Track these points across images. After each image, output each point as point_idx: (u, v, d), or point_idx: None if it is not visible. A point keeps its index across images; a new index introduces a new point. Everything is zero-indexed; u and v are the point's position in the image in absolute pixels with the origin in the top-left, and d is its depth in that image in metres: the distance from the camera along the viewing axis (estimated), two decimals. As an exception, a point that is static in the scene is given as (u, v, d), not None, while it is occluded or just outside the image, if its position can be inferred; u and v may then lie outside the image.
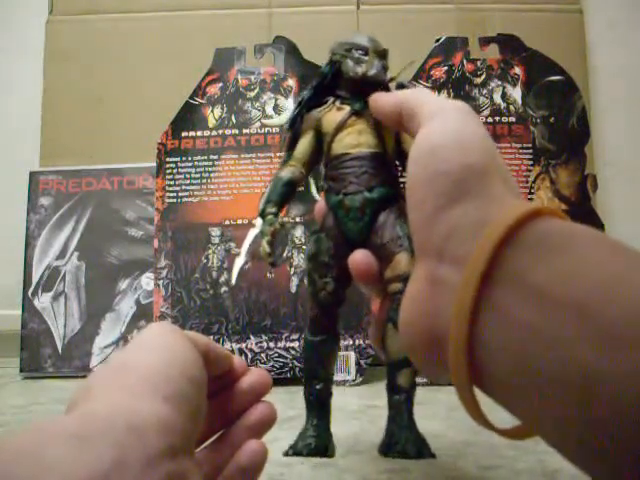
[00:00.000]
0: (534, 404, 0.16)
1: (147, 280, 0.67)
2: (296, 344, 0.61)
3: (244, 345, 0.62)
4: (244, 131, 0.68)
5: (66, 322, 0.67)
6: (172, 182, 0.67)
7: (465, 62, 0.69)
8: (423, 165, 0.21)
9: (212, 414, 0.26)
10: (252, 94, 0.69)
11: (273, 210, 0.30)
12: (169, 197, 0.67)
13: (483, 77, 0.69)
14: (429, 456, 0.25)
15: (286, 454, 0.28)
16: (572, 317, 0.14)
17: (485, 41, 0.70)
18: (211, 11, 0.74)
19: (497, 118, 0.68)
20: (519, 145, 0.68)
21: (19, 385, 0.63)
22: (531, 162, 0.67)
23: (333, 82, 0.31)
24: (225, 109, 0.68)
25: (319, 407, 0.29)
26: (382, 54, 0.30)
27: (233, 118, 0.68)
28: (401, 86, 0.30)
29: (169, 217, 0.66)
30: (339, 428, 0.41)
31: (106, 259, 0.68)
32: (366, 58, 0.29)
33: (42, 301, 0.68)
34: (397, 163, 0.30)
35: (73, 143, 0.73)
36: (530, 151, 0.68)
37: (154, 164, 0.68)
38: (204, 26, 0.74)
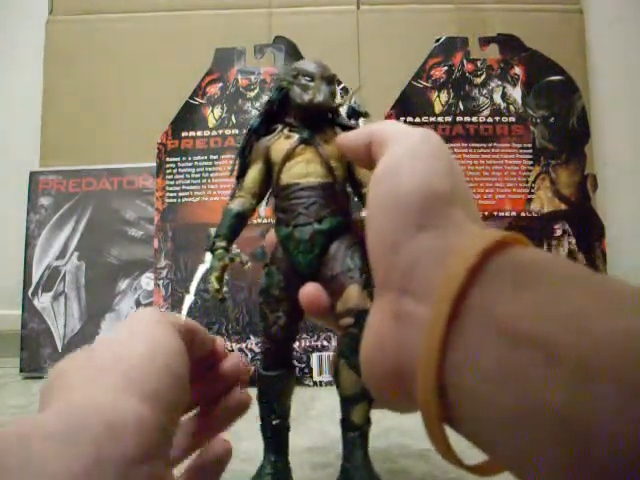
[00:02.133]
0: (506, 444, 0.15)
1: (147, 280, 0.67)
2: (296, 344, 0.61)
3: (244, 345, 0.62)
4: (244, 131, 0.68)
5: (66, 322, 0.67)
6: (172, 182, 0.67)
7: (465, 62, 0.69)
8: (385, 188, 0.21)
9: (196, 390, 0.26)
10: (252, 94, 0.69)
11: (222, 244, 0.29)
12: (169, 197, 0.67)
13: (483, 77, 0.69)
14: None
15: None
16: (541, 355, 0.14)
17: (485, 41, 0.70)
18: (211, 11, 0.74)
19: (497, 118, 0.68)
20: (519, 145, 0.68)
21: (19, 385, 0.63)
22: (531, 162, 0.67)
23: (282, 109, 0.30)
24: (225, 109, 0.68)
25: (276, 443, 0.28)
26: (329, 80, 0.29)
27: (233, 118, 0.68)
28: (353, 110, 0.30)
29: (169, 217, 0.66)
30: (338, 428, 0.41)
31: (106, 259, 0.68)
32: (313, 84, 0.29)
33: (42, 301, 0.68)
34: (348, 192, 0.30)
35: (73, 143, 0.73)
36: (530, 151, 0.68)
37: (154, 164, 0.68)
38: (204, 26, 0.74)
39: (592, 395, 0.13)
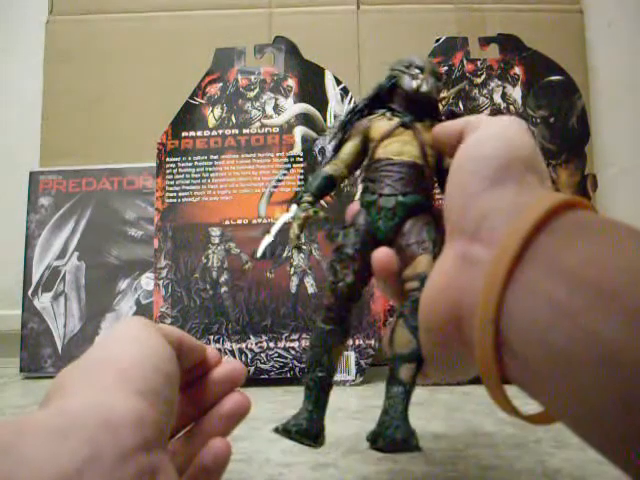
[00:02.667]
0: (557, 383, 0.16)
1: (147, 280, 0.67)
2: (296, 344, 0.61)
3: (244, 345, 0.62)
4: (244, 131, 0.68)
5: (66, 322, 0.67)
6: (172, 182, 0.67)
7: (465, 62, 0.69)
8: (471, 153, 0.23)
9: (186, 404, 0.27)
10: (252, 94, 0.69)
11: (309, 199, 0.31)
12: (169, 197, 0.67)
13: (483, 77, 0.69)
14: (416, 449, 0.25)
15: (275, 430, 0.28)
16: (600, 296, 0.15)
17: (485, 41, 0.70)
18: (211, 11, 0.74)
19: (497, 118, 0.68)
20: (519, 145, 0.67)
21: (19, 385, 0.63)
22: (531, 162, 0.67)
23: (387, 96, 0.33)
24: (225, 109, 0.68)
25: (317, 395, 0.29)
26: (438, 76, 0.32)
27: (233, 118, 0.68)
28: (451, 112, 0.32)
29: (169, 217, 0.66)
30: (339, 428, 0.41)
31: (106, 259, 0.68)
32: (422, 76, 0.31)
33: (42, 301, 0.68)
34: (435, 179, 0.32)
35: (73, 143, 0.73)
36: (530, 151, 0.67)
37: (154, 164, 0.68)
38: (204, 26, 0.74)
39: None
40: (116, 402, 0.18)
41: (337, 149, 0.33)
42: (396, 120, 0.31)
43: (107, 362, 0.20)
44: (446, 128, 0.28)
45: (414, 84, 0.31)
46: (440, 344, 0.23)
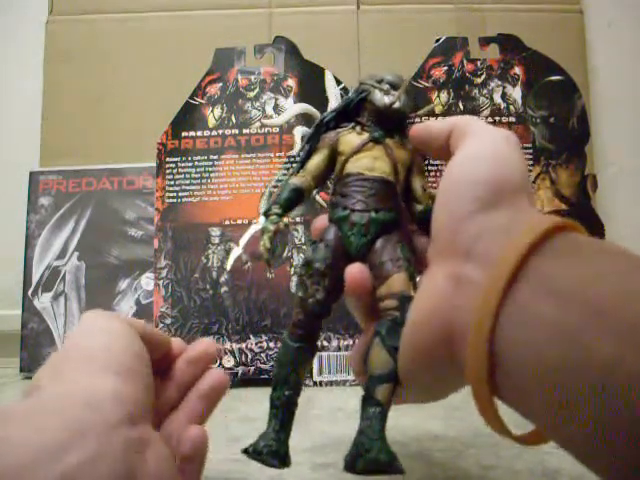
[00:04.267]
0: (551, 401, 0.16)
1: (147, 280, 0.67)
2: (296, 344, 0.61)
3: (244, 345, 0.62)
4: (244, 131, 0.68)
5: (66, 322, 0.67)
6: (172, 182, 0.67)
7: (465, 62, 0.69)
8: (463, 170, 0.23)
9: (162, 394, 0.28)
10: (252, 94, 0.69)
11: (278, 211, 0.30)
12: (169, 197, 0.67)
13: (483, 77, 0.69)
14: (398, 471, 0.25)
15: (245, 451, 0.27)
16: (593, 315, 0.15)
17: (485, 41, 0.70)
18: (211, 11, 0.74)
19: (497, 118, 0.68)
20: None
21: (19, 385, 0.63)
22: (531, 162, 0.67)
23: (356, 110, 0.32)
24: (225, 109, 0.68)
25: (283, 414, 0.28)
26: (409, 93, 0.32)
27: (233, 118, 0.68)
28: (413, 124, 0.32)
29: (169, 217, 0.66)
30: (339, 428, 0.41)
31: (106, 259, 0.68)
32: (394, 92, 0.31)
33: (42, 301, 0.68)
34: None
35: (73, 143, 0.73)
36: (530, 151, 0.68)
37: (154, 164, 0.68)
38: (204, 26, 0.74)
39: (636, 351, 0.14)
40: (96, 383, 0.19)
41: (304, 161, 0.32)
42: (366, 135, 0.31)
43: (79, 351, 0.22)
44: (431, 128, 0.28)
45: (386, 100, 0.31)
46: (425, 366, 0.23)
